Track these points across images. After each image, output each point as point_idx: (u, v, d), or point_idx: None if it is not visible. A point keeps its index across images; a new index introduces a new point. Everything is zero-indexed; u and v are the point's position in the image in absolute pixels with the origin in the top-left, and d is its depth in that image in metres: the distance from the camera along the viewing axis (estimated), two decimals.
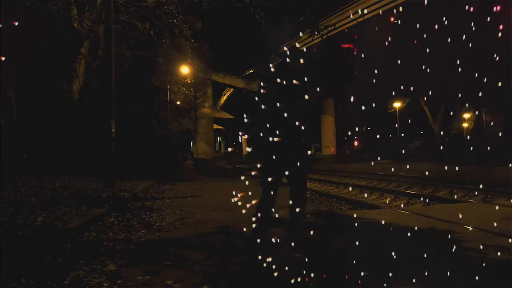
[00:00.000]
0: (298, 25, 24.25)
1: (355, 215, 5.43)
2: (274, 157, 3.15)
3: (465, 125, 30.01)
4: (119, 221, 5.13)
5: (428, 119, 29.93)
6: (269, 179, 3.20)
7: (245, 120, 3.28)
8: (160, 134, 19.09)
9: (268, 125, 3.20)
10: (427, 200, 9.11)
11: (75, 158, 10.31)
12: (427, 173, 12.27)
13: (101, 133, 8.29)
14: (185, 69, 18.50)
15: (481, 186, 9.97)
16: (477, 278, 2.60)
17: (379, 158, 26.26)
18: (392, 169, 17.56)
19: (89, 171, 9.61)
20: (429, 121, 30.11)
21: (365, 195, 11.45)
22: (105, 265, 3.08)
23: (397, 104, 30.06)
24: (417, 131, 35.82)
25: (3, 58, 6.58)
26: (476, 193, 9.74)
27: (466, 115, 29.59)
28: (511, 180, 9.48)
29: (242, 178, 3.34)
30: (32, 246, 3.29)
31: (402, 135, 32.82)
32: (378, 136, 36.09)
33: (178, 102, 23.90)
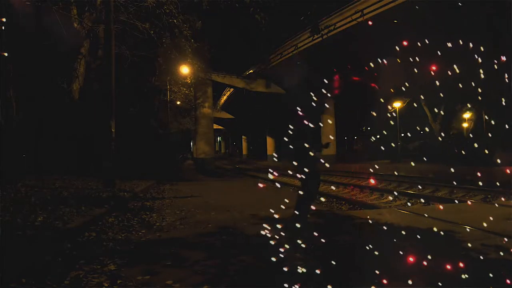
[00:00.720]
0: (299, 25, 24.30)
1: (355, 215, 5.44)
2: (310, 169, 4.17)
3: (465, 125, 29.97)
4: (119, 221, 5.13)
5: (428, 119, 29.88)
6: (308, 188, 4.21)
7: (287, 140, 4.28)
8: (160, 134, 19.07)
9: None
10: (427, 200, 9.11)
11: (75, 158, 10.31)
12: (427, 173, 12.26)
13: (101, 133, 8.28)
14: (185, 69, 18.48)
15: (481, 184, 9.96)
16: (477, 278, 2.60)
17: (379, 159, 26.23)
18: (392, 169, 17.55)
19: (89, 171, 9.62)
20: (429, 121, 30.07)
21: (365, 195, 11.45)
22: (105, 265, 3.08)
23: (397, 104, 30.02)
24: (417, 131, 35.75)
25: (5, 54, 6.59)
26: (476, 193, 9.74)
27: (466, 115, 29.55)
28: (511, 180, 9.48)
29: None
30: (32, 246, 3.28)
31: (402, 135, 32.77)
32: (378, 136, 36.04)
33: (178, 102, 23.90)
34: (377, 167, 19.94)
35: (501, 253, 3.13)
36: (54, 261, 3.08)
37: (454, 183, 10.66)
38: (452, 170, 13.05)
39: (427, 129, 29.24)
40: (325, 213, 6.16)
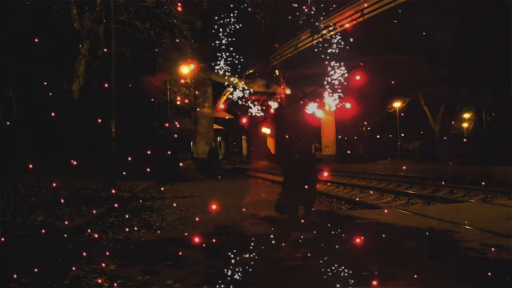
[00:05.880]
0: (299, 25, 24.28)
1: (355, 215, 5.44)
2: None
3: (465, 125, 29.99)
4: (119, 221, 5.13)
5: (428, 119, 29.91)
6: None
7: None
8: (160, 134, 19.07)
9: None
10: (427, 200, 9.10)
11: (75, 158, 10.31)
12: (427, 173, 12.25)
13: (101, 133, 8.28)
14: (185, 69, 18.48)
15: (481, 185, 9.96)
16: (477, 278, 2.60)
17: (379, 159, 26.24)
18: (392, 169, 17.56)
19: (89, 171, 9.61)
20: (429, 121, 30.09)
21: (365, 195, 11.44)
22: (105, 265, 3.08)
23: (397, 104, 30.03)
24: (417, 131, 35.79)
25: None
26: (476, 193, 9.73)
27: (466, 115, 29.56)
28: (511, 180, 9.48)
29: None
30: (32, 246, 3.29)
31: (402, 135, 32.78)
32: (378, 136, 36.07)
33: (178, 102, 23.88)
34: (378, 167, 19.95)
35: (501, 253, 3.13)
36: (54, 261, 3.08)
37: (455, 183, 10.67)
38: (452, 170, 13.05)
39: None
40: (325, 213, 6.15)
